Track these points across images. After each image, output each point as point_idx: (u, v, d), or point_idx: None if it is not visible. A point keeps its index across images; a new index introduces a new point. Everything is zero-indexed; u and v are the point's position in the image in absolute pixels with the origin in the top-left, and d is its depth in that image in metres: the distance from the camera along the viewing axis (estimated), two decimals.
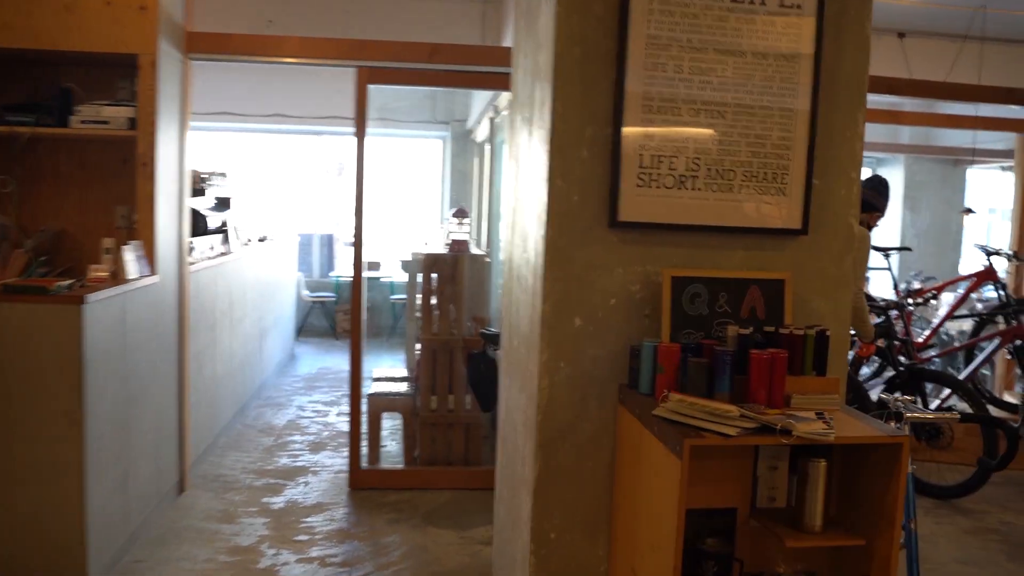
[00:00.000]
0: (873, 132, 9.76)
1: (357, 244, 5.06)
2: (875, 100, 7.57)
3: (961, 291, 6.70)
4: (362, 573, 3.99)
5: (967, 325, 6.92)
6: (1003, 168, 10.23)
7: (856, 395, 5.07)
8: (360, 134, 4.91)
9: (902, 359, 5.40)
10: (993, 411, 5.48)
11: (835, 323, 2.69)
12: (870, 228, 4.57)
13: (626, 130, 2.53)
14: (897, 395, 2.93)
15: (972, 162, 10.74)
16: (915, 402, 3.14)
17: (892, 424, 2.70)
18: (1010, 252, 6.51)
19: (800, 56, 2.60)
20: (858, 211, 2.70)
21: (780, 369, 2.34)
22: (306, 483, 5.23)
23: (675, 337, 2.53)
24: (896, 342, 5.50)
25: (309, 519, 4.64)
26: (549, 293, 2.61)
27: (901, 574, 2.99)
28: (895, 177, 11.07)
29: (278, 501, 4.90)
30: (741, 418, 2.14)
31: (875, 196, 4.66)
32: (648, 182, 2.56)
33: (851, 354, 5.85)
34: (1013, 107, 6.21)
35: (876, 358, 5.96)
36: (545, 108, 2.64)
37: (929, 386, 5.42)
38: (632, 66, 2.52)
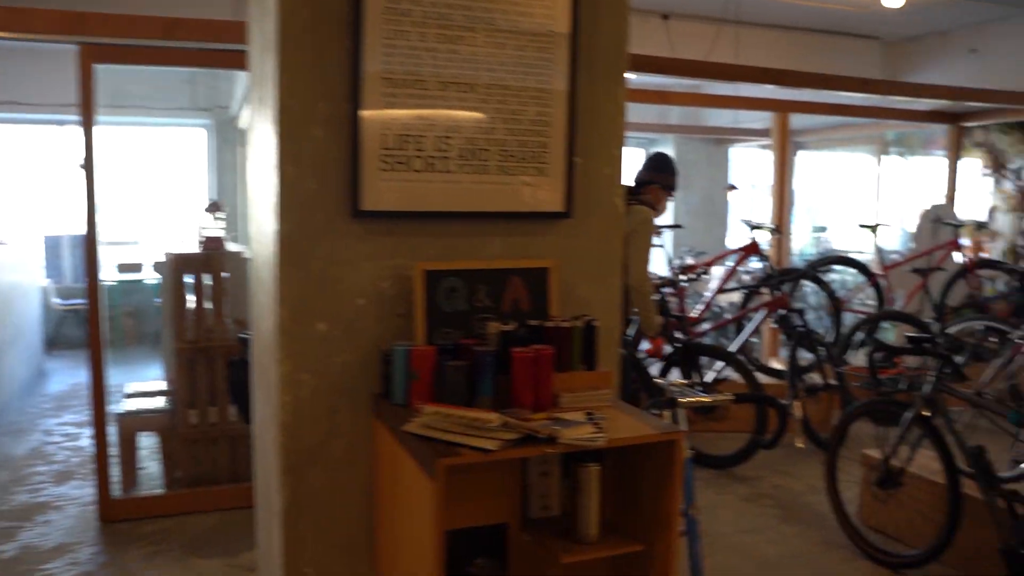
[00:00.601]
0: (644, 112, 10.03)
1: (90, 245, 4.44)
2: (644, 81, 7.72)
3: (729, 265, 6.93)
4: None
5: (736, 297, 7.19)
6: (762, 146, 10.82)
7: (640, 376, 5.07)
8: (87, 123, 4.30)
9: (678, 335, 5.47)
10: (762, 379, 5.67)
11: (605, 311, 2.52)
12: (656, 208, 4.51)
13: (365, 106, 2.22)
14: (671, 380, 2.82)
15: (734, 141, 11.32)
16: (691, 384, 3.07)
17: (667, 415, 2.57)
18: (771, 226, 6.79)
19: (556, 34, 2.39)
20: (623, 190, 2.54)
21: (546, 367, 2.13)
22: (47, 522, 4.56)
23: (432, 338, 2.26)
24: (672, 318, 5.56)
25: (47, 566, 4.01)
26: (286, 295, 2.26)
27: (683, 563, 2.91)
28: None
29: (8, 549, 4.21)
30: (503, 428, 1.90)
31: (657, 174, 4.59)
32: (394, 165, 2.26)
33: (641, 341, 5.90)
34: (769, 87, 6.45)
35: None
36: (272, 82, 2.27)
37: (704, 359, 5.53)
38: (369, 33, 2.20)
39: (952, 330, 5.00)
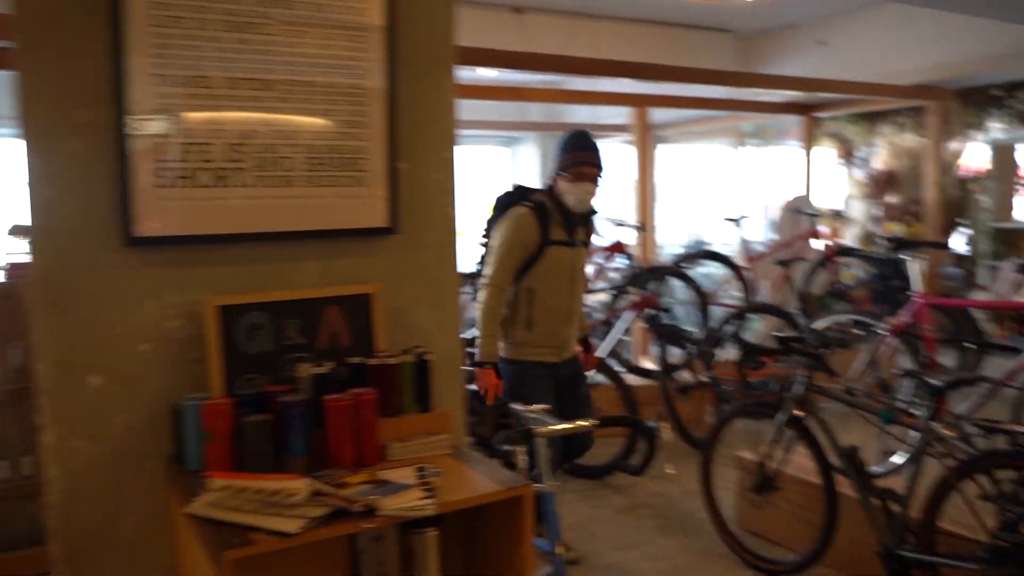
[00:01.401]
0: (505, 110, 9.79)
1: None
2: (502, 77, 7.46)
3: (596, 264, 6.75)
4: None
5: (605, 297, 7.02)
6: (624, 142, 10.77)
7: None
8: None
9: None
10: (633, 380, 5.48)
11: (445, 337, 2.20)
12: (564, 199, 3.41)
13: (134, 110, 1.82)
14: (529, 408, 2.52)
15: (596, 137, 11.22)
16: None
17: (521, 453, 2.26)
18: (636, 223, 6.64)
19: (369, 26, 2.05)
20: (454, 198, 2.22)
21: (369, 414, 1.79)
22: None
23: (233, 387, 1.87)
24: None
25: None
26: (47, 345, 1.83)
27: None
28: (530, 155, 11.27)
29: None
30: (311, 500, 1.55)
31: (554, 162, 3.52)
32: (174, 180, 1.87)
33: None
34: (627, 81, 6.30)
35: None
36: (16, 85, 1.84)
37: None
38: (133, 21, 1.80)
39: (819, 325, 4.94)
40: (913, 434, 3.15)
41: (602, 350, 5.90)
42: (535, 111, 10.64)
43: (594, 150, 3.52)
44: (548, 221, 3.38)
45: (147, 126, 1.84)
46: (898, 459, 4.22)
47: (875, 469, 4.05)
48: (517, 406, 2.59)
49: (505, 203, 3.46)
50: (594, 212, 3.60)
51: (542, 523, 2.64)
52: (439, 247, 2.20)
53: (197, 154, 1.88)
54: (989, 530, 2.85)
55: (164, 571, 1.97)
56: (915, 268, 4.43)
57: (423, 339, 2.12)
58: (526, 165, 11.31)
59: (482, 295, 3.38)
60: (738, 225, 7.38)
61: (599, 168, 3.49)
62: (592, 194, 3.45)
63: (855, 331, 4.85)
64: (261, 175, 1.95)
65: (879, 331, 4.42)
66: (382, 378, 1.87)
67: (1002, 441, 2.95)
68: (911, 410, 3.39)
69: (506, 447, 2.18)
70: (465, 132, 8.49)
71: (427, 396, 1.95)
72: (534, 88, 8.01)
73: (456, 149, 2.24)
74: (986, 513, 2.93)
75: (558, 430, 2.35)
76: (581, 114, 10.24)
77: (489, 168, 11.35)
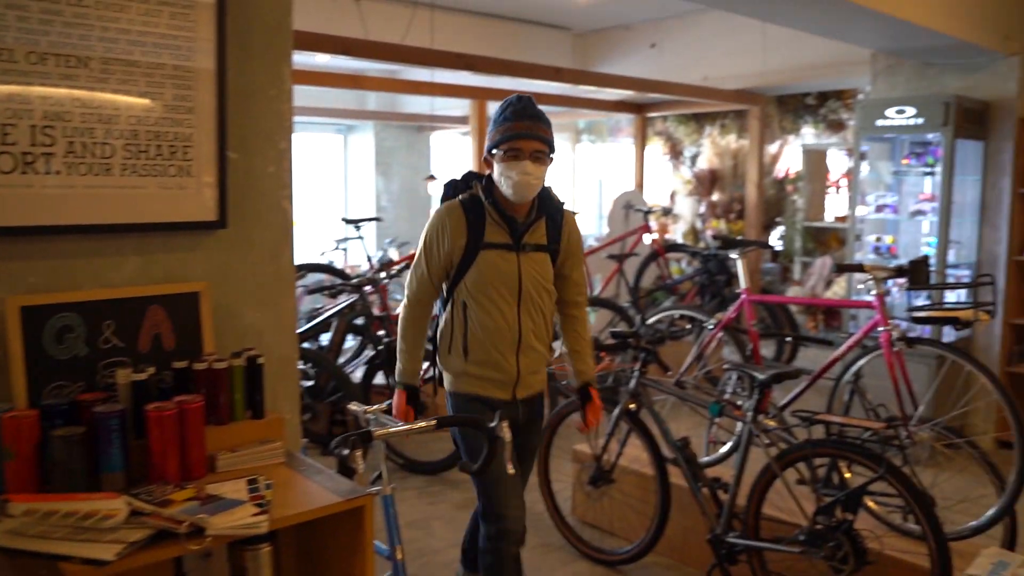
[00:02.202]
0: (342, 97, 9.55)
1: None
2: (338, 64, 7.26)
3: None
4: None
5: None
6: (462, 133, 10.76)
7: (340, 383, 4.65)
8: None
9: (383, 335, 5.11)
10: None
11: (279, 338, 2.07)
12: (527, 165, 2.59)
13: None
14: (366, 409, 2.44)
15: (434, 128, 11.16)
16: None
17: (358, 455, 2.16)
18: None
19: (196, 2, 1.90)
20: (291, 191, 2.10)
21: (195, 424, 1.66)
22: None
23: (39, 397, 1.69)
24: (375, 319, 5.20)
25: None
26: None
27: None
28: (365, 144, 11.06)
29: None
30: (130, 521, 1.41)
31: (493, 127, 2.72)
32: None
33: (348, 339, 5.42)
34: (465, 73, 6.27)
35: (356, 336, 5.62)
36: None
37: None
38: None
39: (652, 320, 5.09)
40: (740, 425, 3.29)
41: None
42: (372, 100, 10.45)
43: (534, 118, 2.63)
44: (480, 218, 2.64)
45: None
46: (725, 449, 4.41)
47: (704, 459, 4.22)
48: (354, 406, 2.49)
49: (445, 196, 2.79)
50: (558, 204, 2.79)
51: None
52: (273, 243, 2.08)
53: None
54: (808, 514, 3.01)
55: None
56: (740, 265, 4.64)
57: (255, 340, 2.00)
58: (361, 154, 11.10)
59: (400, 307, 2.83)
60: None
61: (544, 142, 2.61)
62: (535, 177, 2.59)
63: (685, 325, 5.03)
64: (74, 162, 1.76)
65: (707, 326, 4.60)
66: (210, 383, 1.74)
67: (819, 431, 3.12)
68: (737, 402, 3.55)
69: (344, 451, 2.09)
70: (299, 119, 8.22)
71: (259, 401, 1.83)
72: (372, 76, 7.86)
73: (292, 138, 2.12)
74: (805, 499, 3.10)
75: (398, 431, 2.28)
76: (419, 104, 10.15)
77: (321, 156, 11.05)
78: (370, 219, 7.44)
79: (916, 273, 3.78)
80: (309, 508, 1.53)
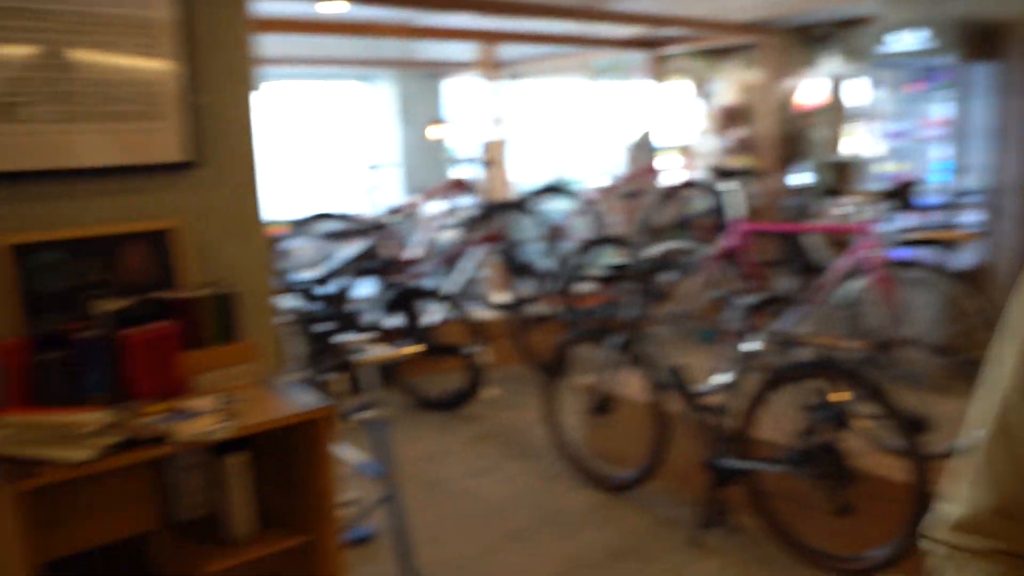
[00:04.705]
0: (359, 46, 9.57)
1: None
2: (351, 14, 7.29)
3: (440, 203, 6.75)
4: None
5: (453, 234, 7.06)
6: (474, 77, 10.71)
7: (344, 323, 4.81)
8: None
9: (392, 279, 5.25)
10: (486, 315, 5.59)
11: (252, 272, 2.20)
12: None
13: None
14: (347, 336, 2.57)
15: (445, 75, 11.12)
16: (412, 328, 2.84)
17: (342, 381, 2.31)
18: (481, 159, 6.67)
19: None
20: (252, 133, 2.20)
21: (171, 348, 1.80)
22: None
23: (32, 327, 1.84)
24: (389, 263, 5.34)
25: None
26: None
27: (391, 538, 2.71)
28: (390, 93, 11.08)
29: None
30: (105, 431, 1.56)
31: None
32: None
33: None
34: (472, 16, 6.29)
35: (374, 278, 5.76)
36: None
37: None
38: None
39: (650, 253, 5.15)
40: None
41: (451, 285, 5.99)
42: (390, 49, 10.45)
43: None
44: None
45: None
46: (722, 377, 4.50)
47: (701, 387, 4.31)
48: (341, 336, 2.63)
49: None
50: None
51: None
52: (243, 182, 2.19)
53: None
54: (796, 435, 3.10)
55: None
56: (735, 197, 4.66)
57: (231, 274, 2.12)
58: (381, 103, 11.14)
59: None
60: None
61: None
62: None
63: (683, 258, 5.09)
64: (48, 109, 1.89)
65: (703, 257, 4.66)
66: (184, 312, 1.88)
67: (809, 353, 3.20)
68: (730, 329, 3.63)
69: (323, 377, 2.23)
70: (317, 69, 8.30)
71: (232, 329, 1.96)
72: (385, 24, 7.88)
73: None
74: (794, 420, 3.19)
75: (378, 359, 2.41)
76: (430, 50, 10.14)
77: (349, 105, 11.09)
78: (390, 165, 7.54)
79: (900, 197, 3.79)
80: (270, 418, 1.67)
